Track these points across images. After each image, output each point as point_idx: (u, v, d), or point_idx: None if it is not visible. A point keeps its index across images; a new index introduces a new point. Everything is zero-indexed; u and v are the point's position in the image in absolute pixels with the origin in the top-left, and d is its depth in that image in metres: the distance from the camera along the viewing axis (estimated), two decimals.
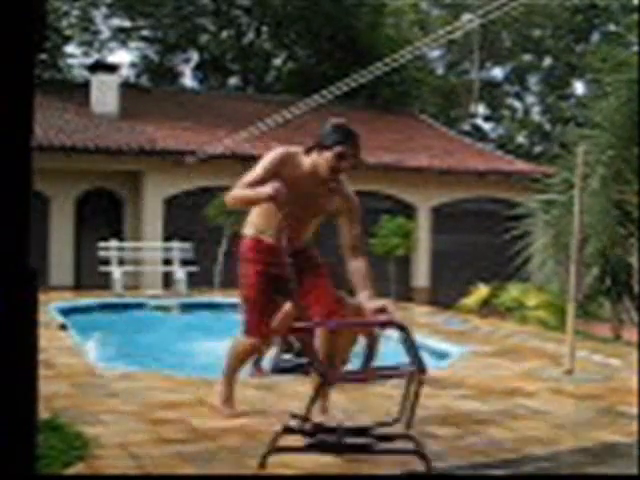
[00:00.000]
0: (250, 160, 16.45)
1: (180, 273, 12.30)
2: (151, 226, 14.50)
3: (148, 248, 13.61)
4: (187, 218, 14.57)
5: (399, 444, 3.41)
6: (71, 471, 3.20)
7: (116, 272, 11.88)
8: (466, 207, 17.46)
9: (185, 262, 12.70)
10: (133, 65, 27.21)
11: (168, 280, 13.31)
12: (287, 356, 6.12)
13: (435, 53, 30.38)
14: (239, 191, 3.73)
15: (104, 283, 12.63)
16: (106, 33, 26.25)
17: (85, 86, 17.19)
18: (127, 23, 26.14)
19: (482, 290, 11.53)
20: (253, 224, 4.02)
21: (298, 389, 5.03)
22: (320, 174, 3.76)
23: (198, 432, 3.87)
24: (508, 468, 3.43)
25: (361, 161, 3.81)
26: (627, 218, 8.79)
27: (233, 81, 27.25)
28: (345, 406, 4.53)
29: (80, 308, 10.10)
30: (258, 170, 3.77)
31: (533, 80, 31.93)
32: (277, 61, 27.05)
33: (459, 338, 7.71)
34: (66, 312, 9.19)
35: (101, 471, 3.24)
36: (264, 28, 25.99)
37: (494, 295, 11.00)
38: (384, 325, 3.58)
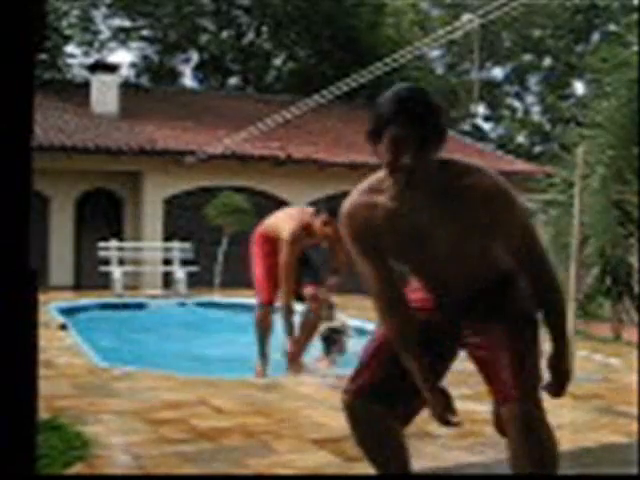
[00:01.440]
0: (250, 160, 16.42)
1: (180, 273, 12.30)
2: (151, 226, 14.49)
3: (148, 248, 13.61)
4: (187, 218, 14.57)
5: None
6: (71, 471, 3.20)
7: (116, 272, 11.88)
8: None
9: (185, 262, 12.70)
10: (133, 65, 27.21)
11: (168, 280, 13.31)
12: None
13: (435, 53, 30.38)
14: None
15: (104, 283, 12.63)
16: (106, 33, 26.26)
17: (85, 86, 17.19)
18: (127, 23, 26.13)
19: None
20: None
21: (298, 389, 5.03)
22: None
23: (198, 432, 3.87)
24: (508, 468, 3.42)
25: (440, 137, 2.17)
26: (627, 218, 8.78)
27: (233, 81, 27.25)
28: None
29: (80, 308, 10.10)
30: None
31: (533, 80, 31.92)
32: (277, 61, 27.04)
33: None
34: (66, 312, 9.19)
35: (101, 471, 3.24)
36: (264, 28, 25.99)
37: None
38: None
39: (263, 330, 5.95)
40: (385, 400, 2.44)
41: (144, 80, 26.70)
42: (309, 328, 5.95)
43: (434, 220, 2.28)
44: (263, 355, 5.99)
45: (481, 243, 2.34)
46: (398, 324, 2.36)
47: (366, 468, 3.36)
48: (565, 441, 3.93)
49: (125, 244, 13.29)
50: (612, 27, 28.20)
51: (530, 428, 2.30)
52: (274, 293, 5.88)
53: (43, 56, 21.13)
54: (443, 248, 2.32)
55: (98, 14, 25.58)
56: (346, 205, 2.38)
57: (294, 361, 5.77)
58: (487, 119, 32.46)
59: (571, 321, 5.76)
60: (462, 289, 2.44)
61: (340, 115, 18.46)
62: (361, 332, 8.27)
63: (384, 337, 2.45)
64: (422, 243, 2.33)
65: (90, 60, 22.32)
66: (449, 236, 2.30)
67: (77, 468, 3.24)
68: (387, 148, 2.14)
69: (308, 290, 5.86)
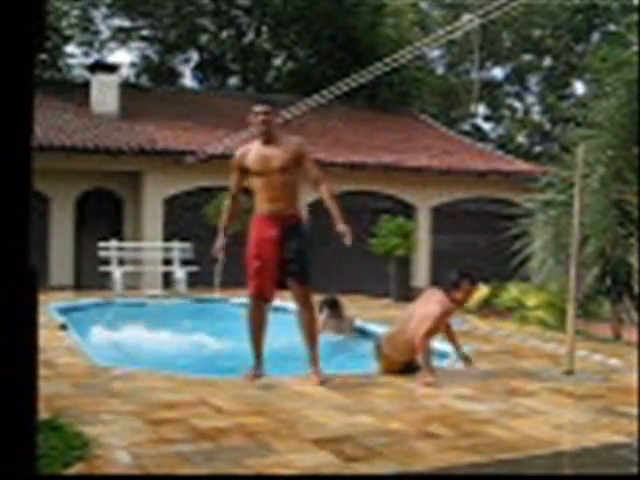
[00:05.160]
0: None
1: (180, 273, 12.31)
2: (151, 226, 14.49)
3: (148, 248, 13.61)
4: (187, 218, 14.57)
5: None
6: (71, 471, 3.20)
7: (116, 272, 11.88)
8: (466, 207, 17.46)
9: (185, 262, 12.70)
10: (133, 65, 27.23)
11: (168, 280, 13.30)
12: None
13: (435, 53, 30.40)
14: None
15: (104, 283, 12.63)
16: (106, 33, 26.29)
17: (85, 86, 17.20)
18: (127, 23, 26.16)
19: (482, 290, 11.51)
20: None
21: (297, 389, 5.03)
22: None
23: (198, 432, 3.87)
24: (508, 468, 3.43)
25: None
26: (627, 218, 8.78)
27: (233, 81, 27.27)
28: (345, 406, 4.53)
29: (80, 308, 10.10)
30: None
31: (533, 80, 31.93)
32: (277, 61, 27.06)
33: (459, 338, 7.70)
34: (66, 312, 9.19)
35: (101, 471, 3.24)
36: (264, 28, 26.00)
37: (494, 295, 10.99)
38: None
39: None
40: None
41: (144, 80, 26.72)
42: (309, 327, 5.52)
43: None
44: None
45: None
46: None
47: (366, 468, 3.37)
48: (565, 441, 3.93)
49: (125, 244, 13.29)
50: (612, 27, 28.21)
51: None
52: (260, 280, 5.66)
53: (43, 56, 21.14)
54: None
55: (98, 14, 25.61)
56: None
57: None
58: (487, 119, 32.47)
59: (571, 321, 5.76)
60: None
61: (340, 115, 18.46)
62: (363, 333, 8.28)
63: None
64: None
65: (90, 60, 22.33)
66: None
67: (77, 468, 3.24)
68: None
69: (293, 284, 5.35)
